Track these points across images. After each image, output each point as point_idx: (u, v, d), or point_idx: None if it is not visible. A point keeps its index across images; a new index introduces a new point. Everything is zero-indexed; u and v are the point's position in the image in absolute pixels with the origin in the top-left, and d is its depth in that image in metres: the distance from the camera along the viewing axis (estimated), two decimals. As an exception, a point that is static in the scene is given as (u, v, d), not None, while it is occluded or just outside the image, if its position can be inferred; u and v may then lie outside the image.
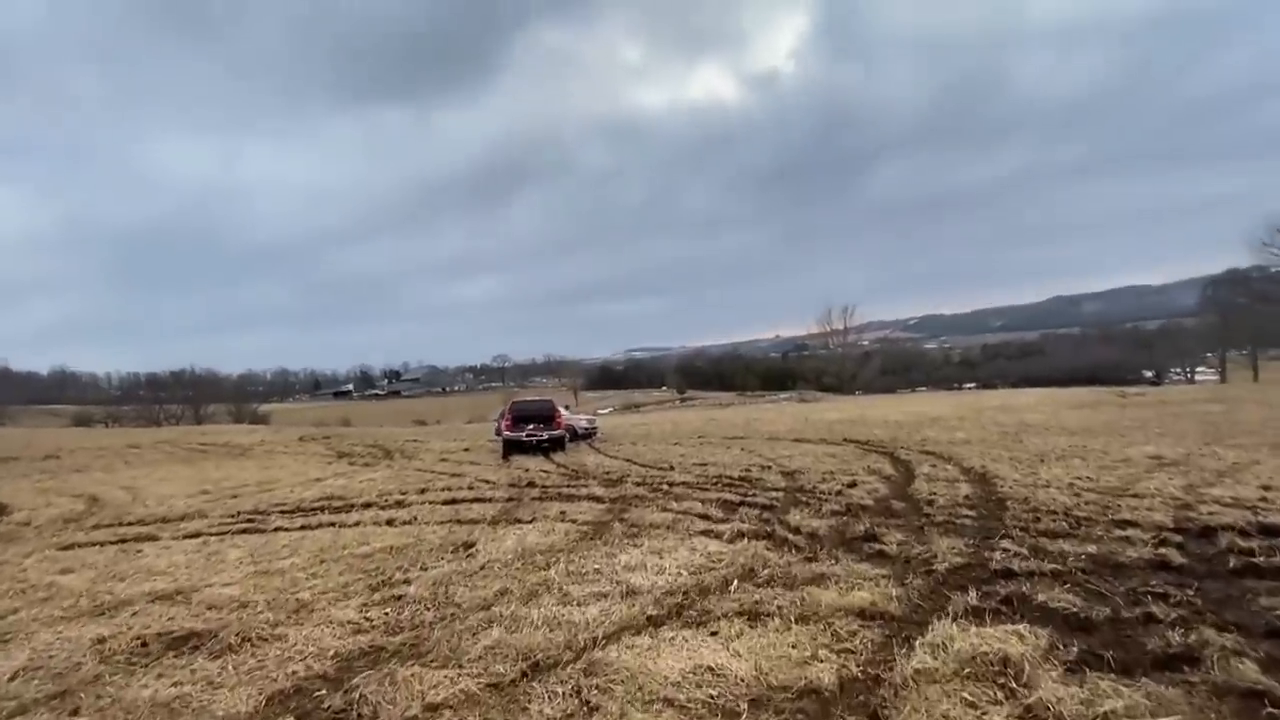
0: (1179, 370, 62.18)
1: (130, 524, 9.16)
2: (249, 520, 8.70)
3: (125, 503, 11.89)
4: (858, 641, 3.35)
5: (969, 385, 76.77)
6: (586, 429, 22.12)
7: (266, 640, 3.87)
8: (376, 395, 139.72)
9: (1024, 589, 3.98)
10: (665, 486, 9.20)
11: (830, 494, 7.85)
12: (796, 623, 3.60)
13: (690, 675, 3.03)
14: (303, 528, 7.97)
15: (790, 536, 5.66)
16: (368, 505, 9.39)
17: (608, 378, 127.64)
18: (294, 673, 3.37)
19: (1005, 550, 4.87)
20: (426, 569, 5.36)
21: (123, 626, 4.39)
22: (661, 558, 5.18)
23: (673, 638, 3.51)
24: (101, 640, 4.03)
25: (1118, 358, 66.06)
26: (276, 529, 8.00)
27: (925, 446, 12.66)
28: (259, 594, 4.98)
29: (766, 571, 4.60)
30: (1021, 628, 3.33)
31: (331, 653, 3.64)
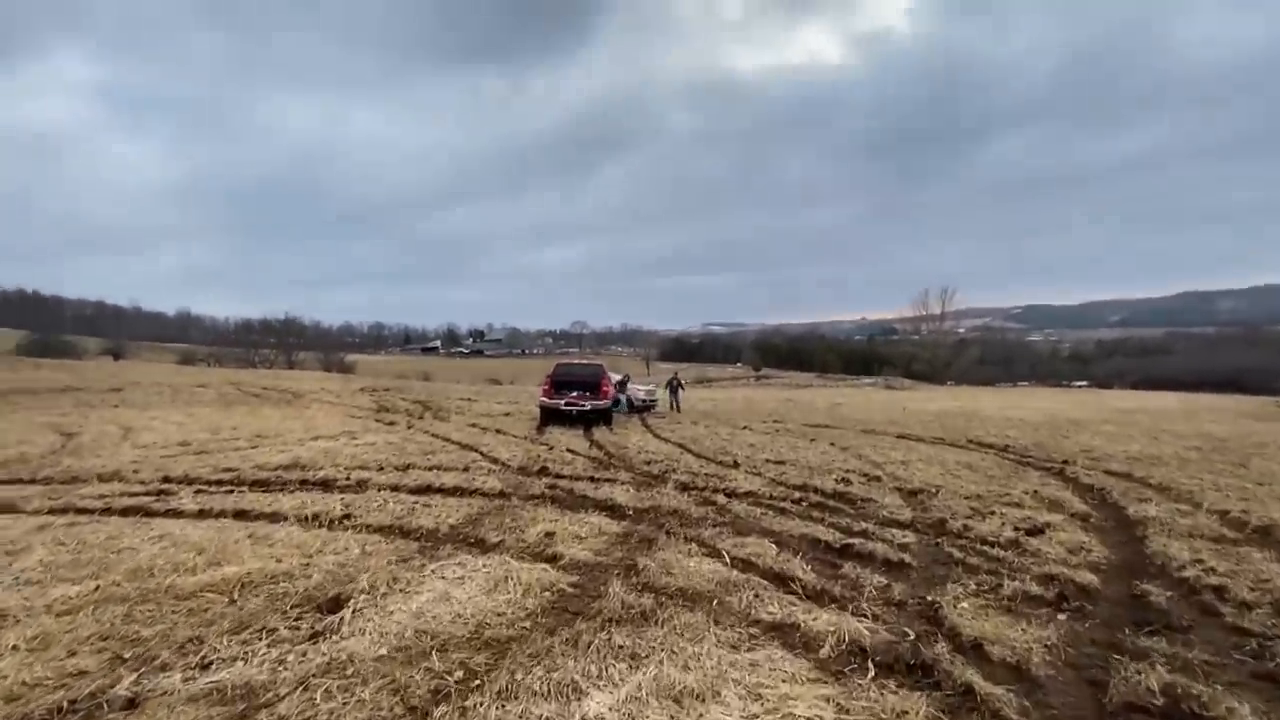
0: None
1: (32, 481, 7.23)
2: (158, 494, 6.47)
3: (97, 447, 10.24)
4: None
5: (1080, 383, 68.14)
6: (645, 401, 19.32)
7: None
8: (461, 353, 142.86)
9: None
10: (721, 498, 6.20)
11: (1002, 547, 4.58)
12: None
13: None
14: (200, 513, 5.62)
15: (975, 680, 2.55)
16: (320, 483, 7.01)
17: (682, 350, 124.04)
18: None
19: None
20: (209, 664, 2.67)
21: None
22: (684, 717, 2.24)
23: None
24: None
25: (1260, 363, 56.16)
26: (168, 511, 5.69)
27: (1101, 463, 8.92)
28: None
29: None
30: None
31: None
